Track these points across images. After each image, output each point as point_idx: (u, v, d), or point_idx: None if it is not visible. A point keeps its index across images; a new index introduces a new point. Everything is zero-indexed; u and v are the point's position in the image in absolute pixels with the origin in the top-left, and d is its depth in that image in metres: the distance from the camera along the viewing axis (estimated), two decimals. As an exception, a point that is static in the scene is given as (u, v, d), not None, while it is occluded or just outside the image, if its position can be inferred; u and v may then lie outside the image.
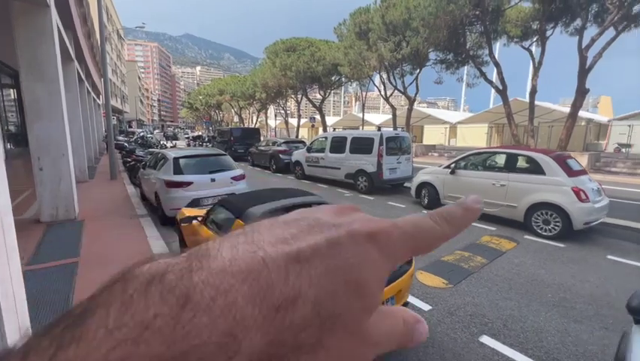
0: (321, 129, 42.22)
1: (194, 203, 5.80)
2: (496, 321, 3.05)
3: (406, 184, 9.44)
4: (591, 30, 14.19)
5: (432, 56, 21.52)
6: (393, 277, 2.55)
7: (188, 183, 5.80)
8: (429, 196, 7.13)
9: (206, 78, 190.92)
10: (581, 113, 19.80)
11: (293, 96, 39.09)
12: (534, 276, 3.99)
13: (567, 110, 27.16)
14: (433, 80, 23.67)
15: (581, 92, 14.32)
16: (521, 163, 5.84)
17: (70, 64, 9.19)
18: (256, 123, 51.98)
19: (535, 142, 18.03)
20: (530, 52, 17.24)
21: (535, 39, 17.23)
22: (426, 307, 3.28)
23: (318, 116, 37.89)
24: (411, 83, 23.15)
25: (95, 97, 20.87)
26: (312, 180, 11.03)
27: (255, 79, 36.45)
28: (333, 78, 30.59)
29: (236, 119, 63.96)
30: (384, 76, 24.81)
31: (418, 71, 22.17)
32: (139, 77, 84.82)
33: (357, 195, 8.84)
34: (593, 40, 13.54)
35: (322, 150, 10.37)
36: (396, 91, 25.60)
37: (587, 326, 2.98)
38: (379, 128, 8.71)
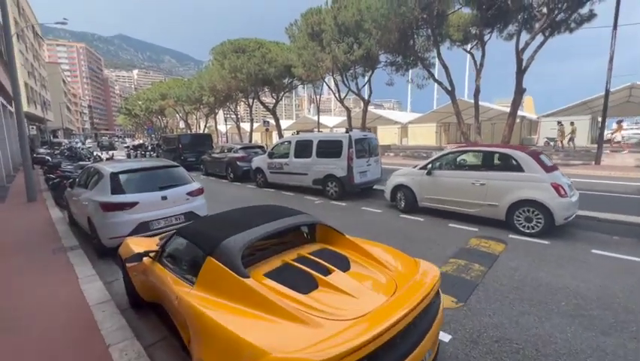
0: (275, 133, 41.19)
1: (142, 228, 4.72)
2: (526, 346, 2.66)
3: (375, 187, 9.12)
4: (525, 35, 15.48)
5: (382, 58, 22.09)
6: (428, 324, 1.97)
7: (132, 204, 4.69)
8: (405, 199, 6.81)
9: (145, 82, 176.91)
10: (516, 111, 21.65)
11: (244, 100, 37.55)
12: (537, 281, 3.75)
13: (503, 109, 29.66)
14: (383, 82, 24.24)
15: (520, 92, 15.48)
16: (498, 161, 5.76)
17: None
18: (205, 129, 49.05)
19: (481, 138, 19.23)
20: (472, 55, 18.32)
21: (475, 43, 18.36)
22: (446, 337, 2.78)
23: (271, 120, 36.86)
24: (364, 85, 23.42)
25: (5, 103, 17.53)
26: (276, 188, 10.22)
27: (201, 82, 34.17)
28: (285, 81, 29.90)
29: (182, 125, 59.82)
30: (338, 78, 24.88)
31: (371, 72, 22.49)
32: (64, 81, 75.29)
33: (328, 202, 8.26)
34: (527, 44, 14.68)
35: (286, 155, 9.63)
36: (349, 93, 25.79)
37: (616, 339, 2.72)
38: (347, 130, 8.24)
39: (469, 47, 18.62)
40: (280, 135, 32.97)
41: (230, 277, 2.02)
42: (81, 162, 11.25)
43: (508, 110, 18.08)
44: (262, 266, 2.35)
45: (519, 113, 28.79)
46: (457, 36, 18.41)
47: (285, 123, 37.73)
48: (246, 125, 43.20)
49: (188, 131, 48.57)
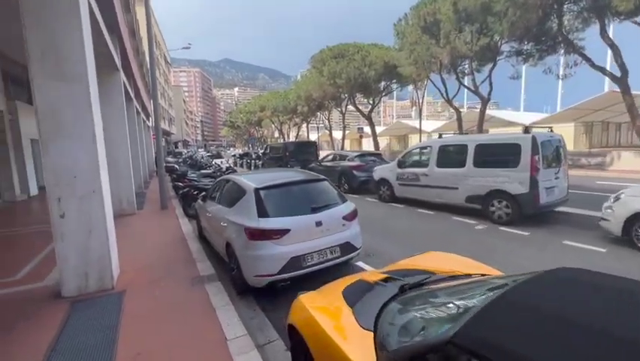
0: (369, 140, 39.67)
1: (293, 264, 3.48)
2: None
3: (560, 208, 6.49)
4: None
5: (505, 48, 18.46)
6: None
7: (283, 232, 3.49)
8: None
9: (243, 98, 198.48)
10: None
11: (337, 108, 37.22)
12: None
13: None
14: (506, 76, 20.41)
15: None
16: None
17: (115, 73, 7.65)
18: (296, 138, 50.75)
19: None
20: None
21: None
22: None
23: (365, 127, 35.48)
24: (484, 80, 19.90)
25: (145, 118, 20.30)
26: (407, 203, 8.41)
27: (299, 91, 35.10)
28: (382, 84, 28.17)
29: (276, 134, 63.65)
30: (446, 76, 21.99)
31: (492, 65, 18.97)
32: (184, 101, 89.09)
33: (496, 229, 6.05)
34: None
35: (423, 164, 7.77)
36: (441, 94, 22.50)
37: None
38: (527, 130, 5.91)
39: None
40: (376, 142, 31.24)
41: None
42: (203, 171, 11.51)
43: None
44: None
45: None
46: (626, 6, 13.80)
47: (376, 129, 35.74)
48: (336, 134, 42.93)
49: (283, 140, 50.94)
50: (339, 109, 36.38)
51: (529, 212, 5.88)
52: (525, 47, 17.30)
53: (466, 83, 21.45)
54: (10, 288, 3.91)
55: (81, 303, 3.50)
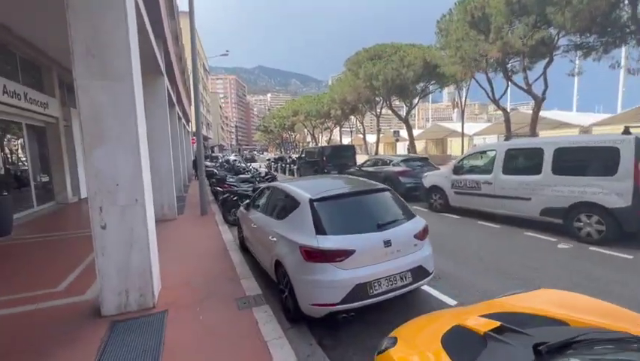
0: (405, 144, 38.28)
1: (358, 293, 2.88)
2: None
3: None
4: None
5: (563, 42, 16.71)
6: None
7: (348, 253, 2.91)
8: None
9: (275, 103, 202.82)
10: None
11: (371, 111, 36.37)
12: None
13: None
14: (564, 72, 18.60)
15: None
16: None
17: (159, 77, 7.60)
18: (329, 142, 50.36)
19: None
20: None
21: None
22: None
23: (402, 130, 34.26)
24: (537, 78, 18.15)
25: (185, 123, 20.90)
26: (463, 214, 7.51)
27: (333, 95, 34.72)
28: (419, 86, 26.94)
29: (308, 138, 63.82)
30: (492, 74, 20.46)
31: (548, 59, 17.24)
32: (220, 107, 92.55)
33: (586, 249, 5.04)
34: None
35: (486, 171, 6.87)
36: (487, 95, 20.80)
37: None
38: (627, 130, 4.88)
39: None
40: (413, 145, 29.94)
41: None
42: (241, 176, 11.33)
43: None
44: None
45: None
46: None
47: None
48: (368, 138, 41.91)
49: (314, 144, 50.82)
50: (373, 112, 35.49)
51: (631, 229, 4.83)
52: (587, 40, 15.55)
53: (516, 82, 19.73)
54: (51, 301, 3.70)
55: (121, 324, 3.15)
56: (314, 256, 2.92)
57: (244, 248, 5.53)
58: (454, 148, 34.96)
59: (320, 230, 3.04)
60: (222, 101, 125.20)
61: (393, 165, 10.12)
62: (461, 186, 7.34)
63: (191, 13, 8.59)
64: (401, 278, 3.09)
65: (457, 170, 7.49)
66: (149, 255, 3.43)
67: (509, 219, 6.58)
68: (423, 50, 23.01)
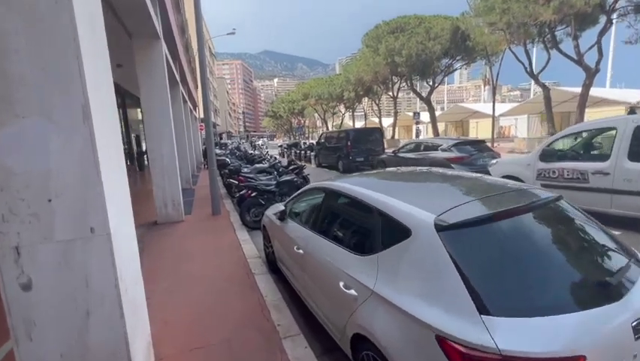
0: (427, 127, 36.06)
1: None
2: None
3: None
4: None
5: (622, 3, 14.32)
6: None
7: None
8: None
9: (283, 88, 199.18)
10: None
11: (386, 92, 34.05)
12: None
13: None
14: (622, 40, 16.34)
15: None
16: None
17: (155, 42, 5.85)
18: (340, 126, 48.21)
19: None
20: None
21: None
22: None
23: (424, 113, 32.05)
24: (590, 48, 15.75)
25: (192, 108, 19.22)
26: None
27: (347, 75, 32.41)
28: (444, 62, 24.54)
29: (318, 123, 61.60)
30: (529, 46, 18.20)
31: (606, 23, 14.87)
32: (227, 92, 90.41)
33: None
34: None
35: (597, 157, 5.08)
36: (525, 69, 18.41)
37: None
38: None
39: None
40: (435, 128, 27.76)
41: None
42: (257, 165, 9.68)
43: None
44: None
45: None
46: None
47: (425, 116, 31.63)
48: (383, 121, 39.62)
49: (325, 129, 48.78)
50: (390, 93, 33.20)
51: None
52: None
53: (563, 52, 17.31)
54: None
55: None
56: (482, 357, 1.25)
57: (274, 269, 3.95)
58: (481, 130, 32.49)
59: (489, 300, 1.36)
60: (229, 87, 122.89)
61: (442, 150, 8.29)
62: (554, 178, 5.54)
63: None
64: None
65: (547, 156, 5.66)
66: (123, 322, 1.82)
67: (634, 222, 4.80)
68: (452, 21, 20.59)
